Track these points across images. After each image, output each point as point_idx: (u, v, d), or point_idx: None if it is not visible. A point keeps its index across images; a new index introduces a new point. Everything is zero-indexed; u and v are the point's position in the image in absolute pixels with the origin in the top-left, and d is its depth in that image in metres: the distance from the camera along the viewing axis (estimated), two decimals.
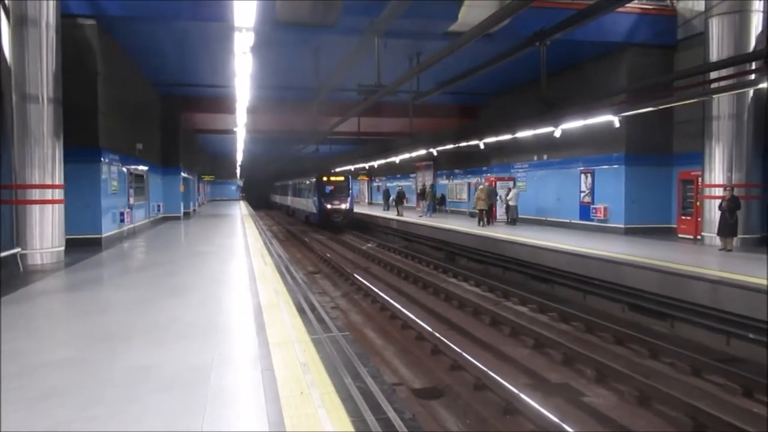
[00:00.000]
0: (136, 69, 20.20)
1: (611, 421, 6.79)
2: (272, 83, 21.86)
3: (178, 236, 20.32)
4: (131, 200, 18.98)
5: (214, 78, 21.47)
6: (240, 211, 40.47)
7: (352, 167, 43.87)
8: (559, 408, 7.02)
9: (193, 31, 15.90)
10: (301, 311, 7.58)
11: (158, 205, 24.72)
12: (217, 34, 15.08)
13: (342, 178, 33.46)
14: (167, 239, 18.97)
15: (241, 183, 75.47)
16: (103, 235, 15.38)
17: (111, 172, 16.22)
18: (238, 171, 63.69)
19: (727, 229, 13.73)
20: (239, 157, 48.80)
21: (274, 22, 14.53)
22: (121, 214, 17.39)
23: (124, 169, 18.04)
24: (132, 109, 19.54)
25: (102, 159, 15.24)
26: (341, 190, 32.92)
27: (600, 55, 18.82)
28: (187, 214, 30.24)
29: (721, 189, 14.42)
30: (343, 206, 32.43)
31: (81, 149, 14.48)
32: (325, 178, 33.08)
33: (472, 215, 26.50)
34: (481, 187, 23.97)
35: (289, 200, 48.67)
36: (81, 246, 14.27)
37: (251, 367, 5.20)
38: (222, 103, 24.70)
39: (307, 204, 36.13)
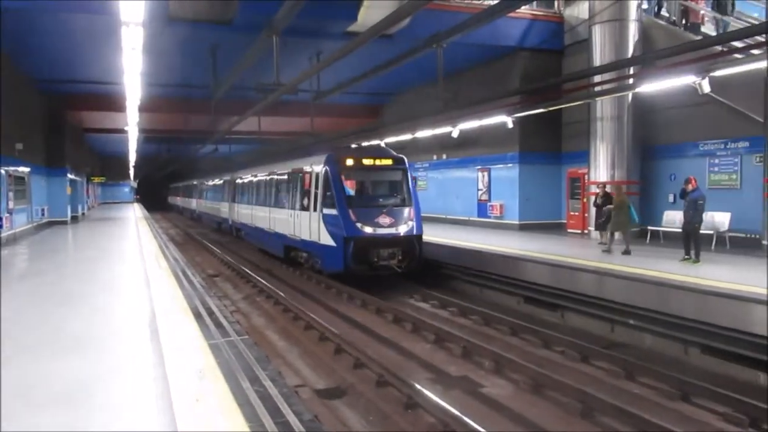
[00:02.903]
0: (11, 64, 18.72)
1: (507, 410, 7.05)
2: (167, 81, 21.01)
3: (65, 241, 19.11)
4: (11, 204, 17.62)
5: (103, 74, 20.29)
6: (134, 214, 38.63)
7: None
8: (458, 400, 7.21)
9: (76, 24, 14.95)
10: (197, 316, 7.33)
11: (42, 209, 23.11)
12: (105, 28, 14.24)
13: (389, 161, 15.70)
14: (53, 245, 17.80)
15: (135, 185, 72.04)
16: None
17: None
18: (131, 172, 60.68)
19: (603, 223, 14.69)
20: (132, 158, 46.53)
21: (166, 18, 13.96)
22: None
23: (2, 171, 16.70)
24: (8, 107, 18.11)
25: None
26: (391, 189, 15.86)
27: (494, 58, 19.54)
28: (75, 218, 28.47)
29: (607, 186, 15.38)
30: (402, 229, 14.45)
31: None
32: (350, 162, 15.38)
33: None
34: None
35: (234, 212, 27.16)
36: None
37: (143, 377, 4.97)
38: (112, 101, 23.36)
39: (300, 224, 16.64)
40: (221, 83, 18.25)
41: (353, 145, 19.77)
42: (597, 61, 15.91)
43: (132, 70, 13.80)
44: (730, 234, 13.70)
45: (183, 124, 29.14)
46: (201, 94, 21.85)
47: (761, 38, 10.88)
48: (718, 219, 13.78)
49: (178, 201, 58.94)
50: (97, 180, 47.39)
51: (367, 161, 15.64)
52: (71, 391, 4.72)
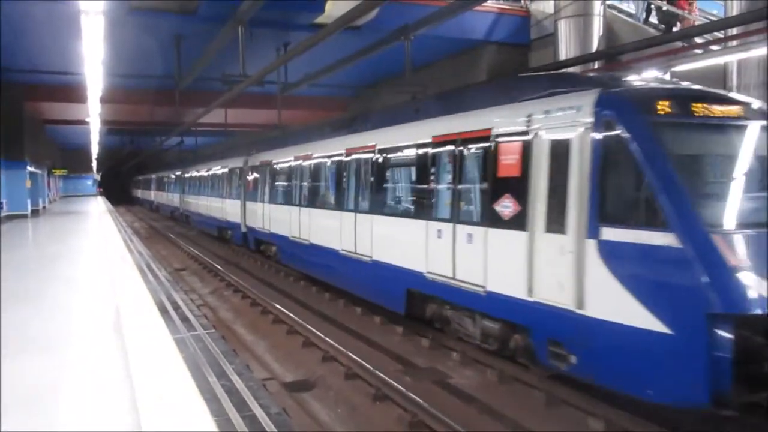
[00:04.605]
0: None
1: (475, 400, 7.12)
2: (130, 71, 20.56)
3: (25, 236, 18.65)
4: None
5: (63, 64, 19.77)
6: (97, 207, 37.88)
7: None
8: (427, 391, 7.26)
9: (35, 11, 14.53)
10: (163, 311, 7.23)
11: (1, 203, 22.55)
12: (64, 16, 13.89)
13: (745, 109, 6.37)
14: (12, 240, 17.33)
15: (98, 177, 70.64)
16: None
17: None
18: (94, 164, 59.38)
19: None
20: (95, 150, 45.58)
21: (128, 7, 13.66)
22: None
23: None
24: None
25: None
26: None
27: (462, 52, 19.62)
28: (35, 212, 27.79)
29: None
30: None
31: None
32: (674, 109, 6.00)
33: None
34: None
35: (256, 216, 17.88)
36: None
37: (106, 376, 4.89)
38: (73, 92, 22.81)
39: (475, 254, 7.49)
40: (186, 74, 17.99)
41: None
42: (563, 55, 16.10)
43: (93, 60, 13.53)
44: None
45: (147, 116, 28.65)
46: (166, 85, 21.50)
47: (719, 35, 11.19)
48: None
49: (151, 195, 48.69)
50: (58, 172, 46.37)
51: (712, 109, 6.26)
52: (35, 392, 4.62)
